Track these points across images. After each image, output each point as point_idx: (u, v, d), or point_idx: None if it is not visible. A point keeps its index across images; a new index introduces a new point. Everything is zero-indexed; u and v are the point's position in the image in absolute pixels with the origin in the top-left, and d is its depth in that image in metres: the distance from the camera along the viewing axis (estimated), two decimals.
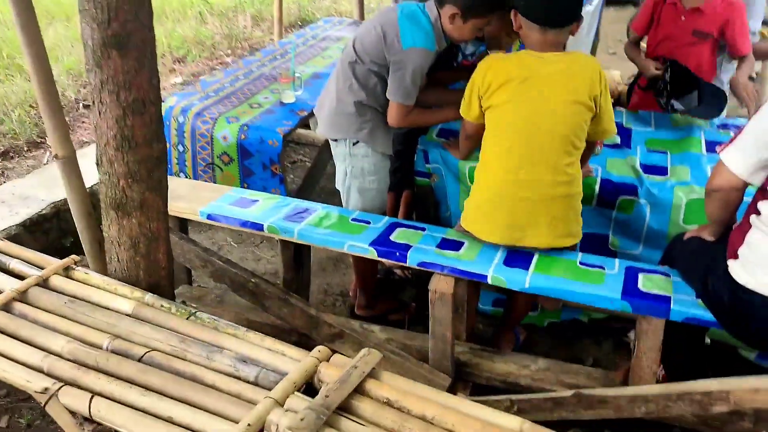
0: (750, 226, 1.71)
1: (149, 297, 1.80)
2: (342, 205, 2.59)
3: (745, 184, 1.74)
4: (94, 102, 1.70)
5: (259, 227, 2.23)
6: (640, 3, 6.82)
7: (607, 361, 2.53)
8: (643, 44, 3.14)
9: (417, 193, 2.61)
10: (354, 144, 2.45)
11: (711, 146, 2.54)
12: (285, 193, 3.07)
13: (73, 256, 1.94)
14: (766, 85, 3.60)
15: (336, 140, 2.51)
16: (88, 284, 1.86)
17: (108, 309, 1.76)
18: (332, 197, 3.68)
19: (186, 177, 3.18)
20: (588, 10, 3.95)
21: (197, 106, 3.12)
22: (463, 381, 2.18)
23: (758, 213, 1.69)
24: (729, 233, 1.86)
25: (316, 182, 3.64)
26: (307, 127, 3.99)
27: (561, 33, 2.02)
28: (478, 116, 2.13)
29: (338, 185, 2.63)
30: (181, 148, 3.13)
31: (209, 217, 2.30)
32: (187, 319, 1.73)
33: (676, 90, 2.68)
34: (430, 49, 2.26)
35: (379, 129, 2.43)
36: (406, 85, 2.27)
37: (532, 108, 2.00)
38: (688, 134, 2.63)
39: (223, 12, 7.82)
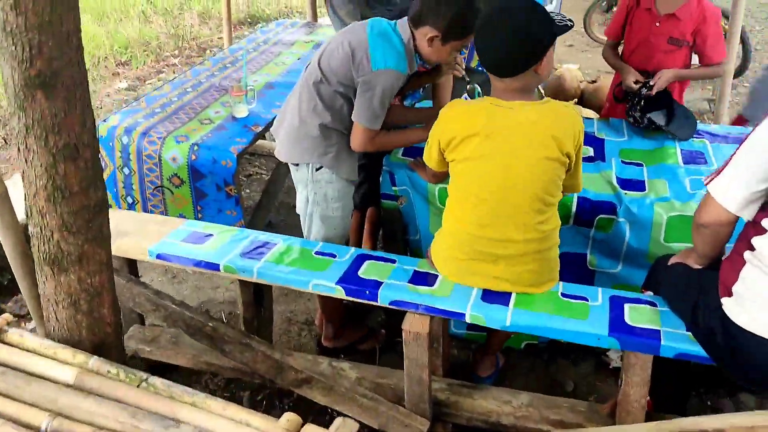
0: (743, 262, 1.60)
1: (94, 361, 1.60)
2: (302, 227, 2.44)
3: (736, 218, 1.63)
4: (19, 148, 1.50)
5: (214, 267, 2.05)
6: None
7: (587, 386, 2.42)
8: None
9: (384, 216, 2.46)
10: (317, 169, 2.28)
11: (687, 156, 2.45)
12: (241, 215, 2.88)
13: (6, 316, 1.73)
14: (722, 106, 3.51)
15: (297, 164, 2.33)
16: (22, 349, 1.65)
17: (47, 379, 1.56)
18: (292, 214, 3.51)
19: (133, 201, 2.97)
20: (550, 7, 3.84)
21: (143, 124, 2.90)
22: (443, 422, 2.05)
23: (752, 248, 1.58)
24: (718, 263, 1.76)
25: (274, 197, 3.46)
26: (263, 138, 3.79)
27: (522, 79, 1.80)
28: (440, 165, 1.98)
29: (299, 211, 2.46)
30: (126, 170, 2.91)
31: (159, 257, 2.10)
32: (138, 386, 1.55)
33: (649, 105, 2.58)
34: (402, 72, 2.11)
35: (345, 153, 2.27)
36: (373, 108, 2.11)
37: (501, 165, 1.82)
38: (662, 144, 2.54)
39: (168, 10, 7.50)
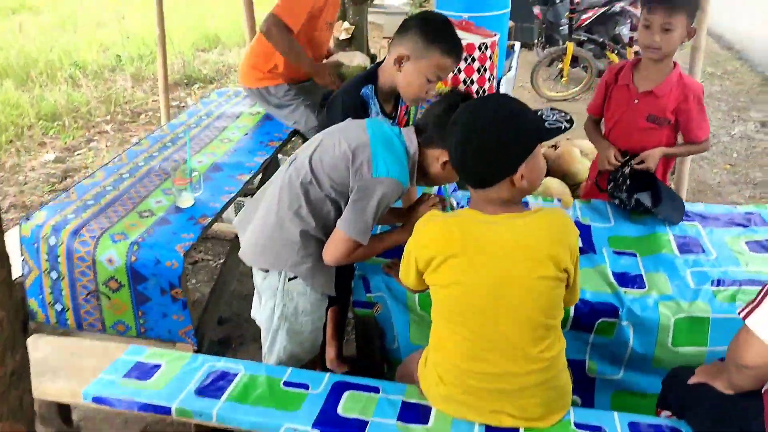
0: None
1: None
2: (262, 339, 2.14)
3: None
4: None
5: (165, 411, 1.72)
6: (537, 43, 6.84)
7: None
8: None
9: (357, 324, 2.18)
10: (290, 279, 2.00)
11: (682, 244, 2.28)
12: (189, 319, 2.54)
13: None
14: (683, 182, 3.40)
15: (266, 271, 2.05)
16: None
17: None
18: (246, 305, 3.18)
19: (63, 308, 2.59)
20: (510, 75, 3.70)
21: (73, 221, 2.55)
22: None
23: None
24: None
25: (225, 290, 3.12)
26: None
27: (498, 190, 1.59)
28: (420, 285, 1.72)
29: (259, 321, 2.16)
30: (54, 274, 2.54)
31: (97, 400, 1.76)
32: None
33: (636, 186, 2.41)
34: (403, 184, 1.87)
35: (323, 264, 1.99)
36: (365, 219, 1.86)
37: (488, 290, 1.57)
38: (652, 230, 2.36)
39: (98, 72, 7.12)
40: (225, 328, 3.13)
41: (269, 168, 3.32)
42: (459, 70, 2.98)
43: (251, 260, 2.08)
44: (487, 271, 1.56)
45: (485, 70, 3.06)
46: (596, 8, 6.30)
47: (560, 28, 6.43)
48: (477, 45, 2.97)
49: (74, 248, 2.47)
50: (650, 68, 2.52)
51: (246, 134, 3.47)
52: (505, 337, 1.58)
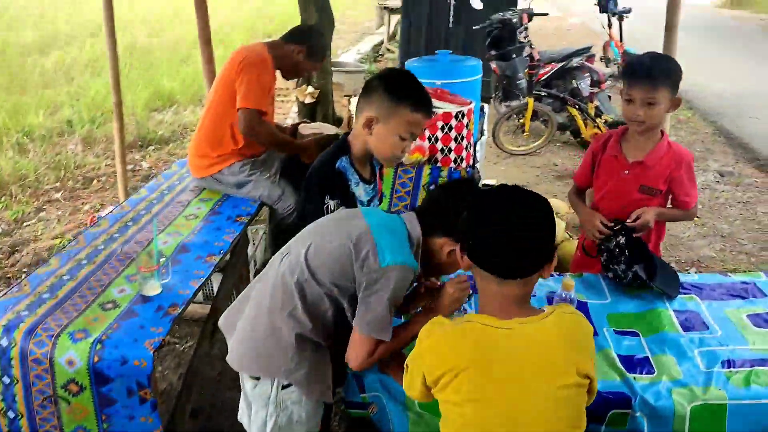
0: None
1: None
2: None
3: None
4: None
5: None
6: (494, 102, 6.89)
7: None
8: None
9: (350, 426, 2.00)
10: (284, 387, 1.82)
11: (684, 321, 2.19)
12: (159, 422, 2.32)
13: None
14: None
15: (257, 378, 1.87)
16: None
17: None
18: (219, 391, 2.98)
19: (16, 416, 2.34)
20: (484, 140, 3.64)
21: (27, 318, 2.32)
22: None
23: None
24: None
25: (198, 377, 2.89)
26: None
27: (528, 283, 1.49)
28: (426, 397, 1.57)
29: (246, 423, 1.99)
30: (6, 379, 2.30)
31: None
32: None
33: (635, 257, 2.33)
34: (414, 268, 1.74)
35: (319, 370, 1.83)
36: (382, 314, 1.71)
37: (506, 406, 1.42)
38: (652, 305, 2.26)
39: (45, 136, 6.85)
40: (199, 421, 2.90)
41: (239, 245, 3.15)
42: (436, 139, 2.89)
43: (240, 366, 1.91)
44: (503, 386, 1.42)
45: (462, 138, 2.98)
46: (554, 63, 6.39)
47: (518, 82, 6.49)
48: (454, 114, 2.89)
49: (29, 350, 2.24)
50: (638, 138, 2.47)
51: (212, 209, 3.30)
52: None
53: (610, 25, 8.37)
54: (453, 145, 2.96)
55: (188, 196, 3.45)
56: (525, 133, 6.23)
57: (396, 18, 12.40)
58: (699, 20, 14.61)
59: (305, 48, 3.37)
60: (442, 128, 2.89)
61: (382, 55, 11.43)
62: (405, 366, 1.60)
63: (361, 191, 2.24)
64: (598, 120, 5.71)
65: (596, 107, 5.92)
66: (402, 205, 2.91)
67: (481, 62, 3.46)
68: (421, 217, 1.85)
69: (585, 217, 2.58)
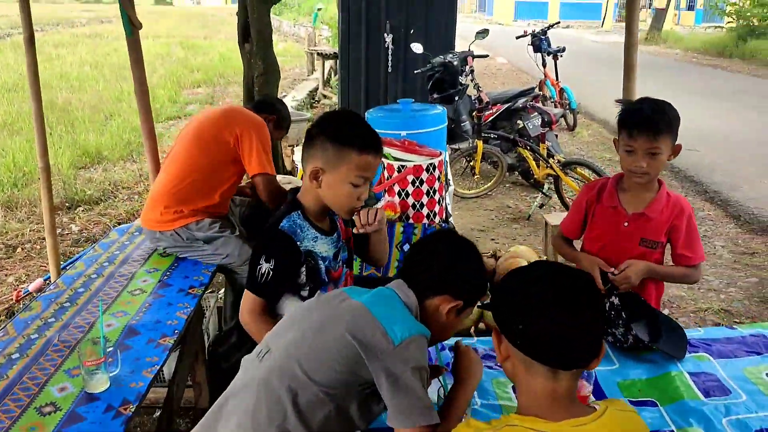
0: None
1: None
2: None
3: None
4: None
5: None
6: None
7: None
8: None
9: None
10: None
11: (702, 386, 2.00)
12: None
13: None
14: None
15: None
16: None
17: None
18: None
19: None
20: (451, 190, 3.46)
21: None
22: None
23: None
24: None
25: None
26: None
27: (577, 375, 1.31)
28: None
29: None
30: None
31: None
32: None
33: (632, 317, 2.15)
34: (427, 335, 1.53)
35: None
36: (419, 395, 1.45)
37: None
38: (664, 368, 2.08)
39: None
40: None
41: (193, 321, 2.82)
42: (407, 194, 2.69)
43: None
44: None
45: (435, 192, 2.78)
46: (499, 105, 6.35)
47: (462, 125, 6.41)
48: (425, 167, 2.69)
49: None
50: (637, 188, 2.32)
51: (160, 281, 2.96)
52: None
53: (544, 64, 8.49)
54: (425, 199, 2.76)
55: (132, 268, 3.10)
56: (476, 176, 6.12)
57: (329, 63, 12.33)
58: (621, 57, 15.13)
59: (274, 118, 3.35)
60: (413, 182, 2.68)
61: (318, 101, 11.29)
62: None
63: (322, 247, 2.01)
64: (551, 160, 5.65)
65: (548, 147, 5.88)
66: (374, 268, 2.67)
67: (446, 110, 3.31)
68: (410, 281, 1.64)
69: (588, 266, 2.37)
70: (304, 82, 12.62)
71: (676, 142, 2.24)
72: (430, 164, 2.73)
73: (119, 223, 5.98)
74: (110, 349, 2.28)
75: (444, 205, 2.91)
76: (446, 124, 3.20)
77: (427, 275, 1.63)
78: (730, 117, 9.94)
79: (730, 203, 6.12)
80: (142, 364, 2.32)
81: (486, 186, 6.27)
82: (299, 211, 2.03)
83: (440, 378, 1.83)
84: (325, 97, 11.47)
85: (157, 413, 3.09)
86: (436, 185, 2.78)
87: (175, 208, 3.12)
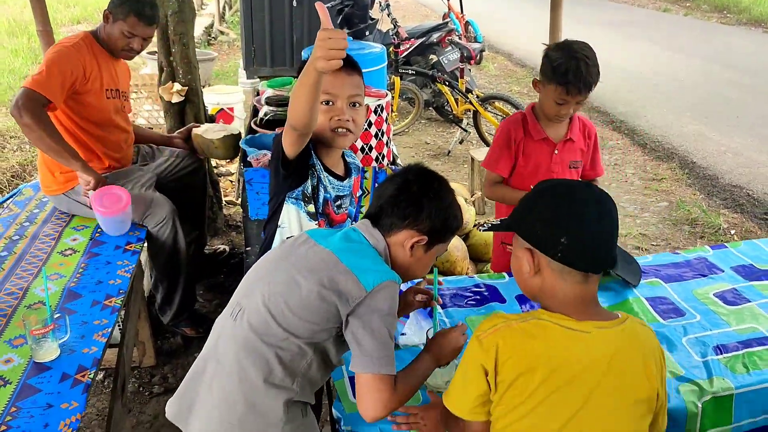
0: None
1: None
2: None
3: None
4: None
5: None
6: None
7: None
8: None
9: None
10: None
11: (659, 309, 2.12)
12: None
13: None
14: None
15: None
16: None
17: None
18: None
19: None
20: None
21: None
22: None
23: None
24: None
25: None
26: None
27: (598, 279, 1.40)
28: (479, 415, 1.38)
29: None
30: None
31: None
32: None
33: None
34: (398, 282, 1.51)
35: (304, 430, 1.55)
36: (384, 342, 1.45)
37: (572, 414, 1.30)
38: (622, 296, 2.18)
39: None
40: None
41: (135, 279, 2.67)
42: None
43: None
44: (573, 394, 1.29)
45: (383, 134, 2.72)
46: (413, 39, 6.27)
47: None
48: (373, 108, 2.62)
49: None
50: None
51: (92, 239, 2.77)
52: None
53: None
54: (374, 142, 2.70)
55: (57, 226, 2.88)
56: (393, 113, 6.07)
57: None
58: None
59: (109, 14, 2.86)
60: None
61: (215, 38, 10.76)
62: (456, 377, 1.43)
63: (327, 183, 1.93)
64: (470, 95, 5.67)
65: (466, 83, 5.88)
66: None
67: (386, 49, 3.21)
68: (376, 219, 1.61)
69: None
70: (199, 19, 11.96)
71: None
72: (378, 105, 2.65)
73: (13, 176, 5.53)
74: (57, 315, 2.13)
75: (391, 148, 2.86)
76: (386, 62, 3.12)
77: (392, 210, 1.59)
78: (629, 49, 10.35)
79: (636, 132, 6.42)
80: (91, 327, 2.19)
81: (403, 123, 6.25)
82: (311, 144, 1.89)
83: (435, 316, 1.80)
84: (222, 33, 10.94)
85: (100, 376, 2.95)
86: (384, 127, 2.72)
87: (52, 169, 2.85)
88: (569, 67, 2.27)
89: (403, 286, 1.86)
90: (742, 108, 7.14)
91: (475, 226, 3.67)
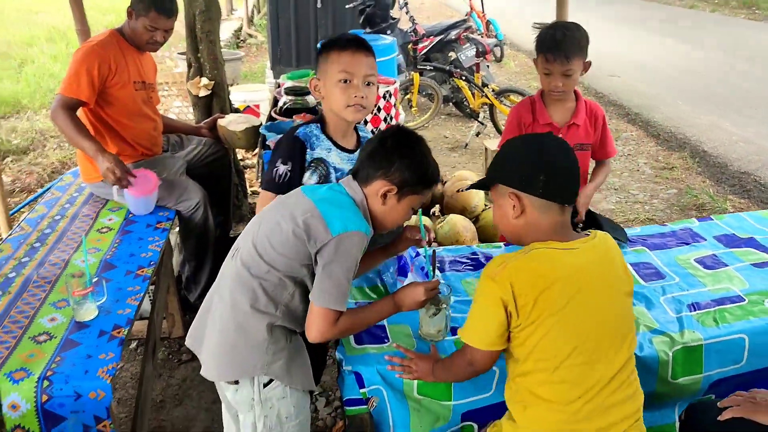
0: None
1: None
2: None
3: None
4: None
5: None
6: None
7: None
8: None
9: (350, 425, 1.93)
10: (265, 385, 1.76)
11: (641, 273, 2.30)
12: None
13: None
14: None
15: (236, 382, 1.80)
16: None
17: None
18: (165, 412, 2.79)
19: None
20: (402, 119, 3.61)
21: None
22: None
23: None
24: None
25: (148, 400, 2.67)
26: None
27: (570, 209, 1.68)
28: (496, 343, 1.61)
29: None
30: None
31: None
32: None
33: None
34: (366, 233, 1.72)
35: (298, 358, 1.81)
36: (339, 283, 1.68)
37: (593, 311, 1.57)
38: None
39: None
40: None
41: (164, 255, 2.92)
42: (366, 122, 2.83)
43: (217, 375, 1.83)
44: (586, 295, 1.55)
45: (391, 118, 2.93)
46: (432, 37, 6.47)
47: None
48: (382, 94, 2.83)
49: None
50: (559, 103, 2.61)
51: (126, 219, 3.03)
52: (608, 361, 1.58)
53: None
54: (382, 126, 2.92)
55: (95, 208, 3.15)
56: (413, 108, 6.28)
57: (252, 1, 12.07)
58: None
59: (131, 10, 3.10)
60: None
61: (244, 40, 11.08)
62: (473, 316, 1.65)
63: (336, 158, 2.14)
64: (485, 89, 5.86)
65: (482, 77, 6.07)
66: None
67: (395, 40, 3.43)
68: (355, 174, 1.83)
69: None
70: (228, 23, 12.31)
71: (586, 59, 2.50)
72: (387, 91, 2.87)
73: (53, 172, 5.87)
74: (95, 279, 2.38)
75: None
76: (395, 53, 3.33)
77: (368, 163, 1.79)
78: (650, 45, 10.40)
79: (650, 124, 6.53)
80: (125, 293, 2.43)
81: (423, 118, 6.45)
82: (319, 124, 2.15)
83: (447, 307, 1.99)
84: (250, 36, 11.26)
85: (133, 345, 3.21)
86: (393, 112, 2.93)
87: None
88: (547, 35, 2.46)
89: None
90: (758, 100, 7.20)
91: (465, 187, 3.78)
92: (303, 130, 2.12)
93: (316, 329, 1.70)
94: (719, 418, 1.69)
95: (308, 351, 1.91)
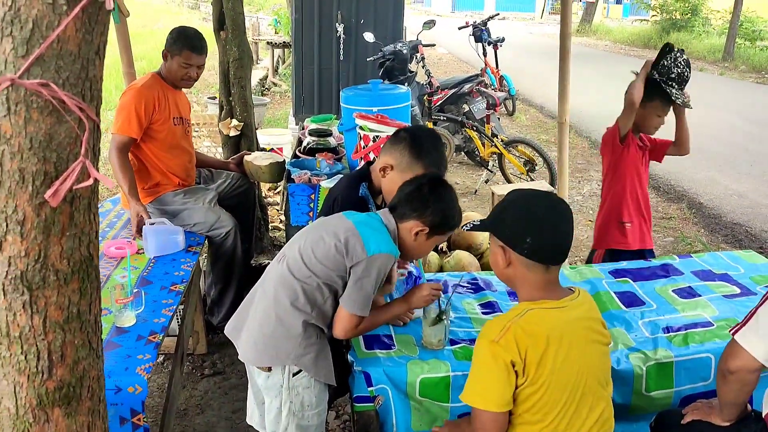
0: None
1: None
2: None
3: (762, 367, 1.69)
4: None
5: None
6: None
7: None
8: None
9: (359, 420, 2.18)
10: (294, 374, 2.05)
11: (624, 299, 2.55)
12: None
13: None
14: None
15: (268, 369, 2.09)
16: None
17: None
18: (188, 420, 3.04)
19: None
20: None
21: None
22: None
23: None
24: (744, 419, 1.79)
25: (174, 406, 2.92)
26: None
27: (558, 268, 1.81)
28: (510, 404, 1.72)
29: (257, 422, 2.24)
30: None
31: None
32: None
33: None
34: (395, 255, 2.03)
35: (323, 354, 2.09)
36: (366, 294, 2.00)
37: (579, 365, 1.72)
38: (593, 290, 2.61)
39: None
40: None
41: (194, 275, 3.22)
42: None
43: (254, 360, 2.11)
44: (575, 350, 1.71)
45: None
46: (446, 90, 6.85)
47: (412, 109, 6.88)
48: None
49: None
50: None
51: None
52: (590, 408, 1.75)
53: (485, 54, 9.02)
54: None
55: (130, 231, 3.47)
56: None
57: (278, 52, 12.62)
58: (555, 48, 15.89)
59: (166, 53, 3.47)
60: None
61: (269, 89, 11.58)
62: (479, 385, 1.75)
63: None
64: (495, 140, 6.19)
65: (492, 128, 6.42)
66: None
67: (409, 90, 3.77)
68: (393, 209, 2.14)
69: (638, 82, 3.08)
70: (254, 72, 12.86)
71: None
72: None
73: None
74: (135, 290, 2.67)
75: None
76: (410, 101, 3.67)
77: (406, 205, 2.11)
78: None
79: (651, 177, 6.79)
80: (160, 305, 2.72)
81: None
82: (366, 183, 2.48)
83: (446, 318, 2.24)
84: (275, 84, 11.77)
85: (160, 359, 3.47)
86: None
87: (139, 186, 3.44)
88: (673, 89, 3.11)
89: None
90: (757, 158, 7.48)
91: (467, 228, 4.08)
92: (363, 190, 2.44)
93: (341, 328, 2.03)
94: (682, 421, 1.93)
95: (335, 356, 2.18)
